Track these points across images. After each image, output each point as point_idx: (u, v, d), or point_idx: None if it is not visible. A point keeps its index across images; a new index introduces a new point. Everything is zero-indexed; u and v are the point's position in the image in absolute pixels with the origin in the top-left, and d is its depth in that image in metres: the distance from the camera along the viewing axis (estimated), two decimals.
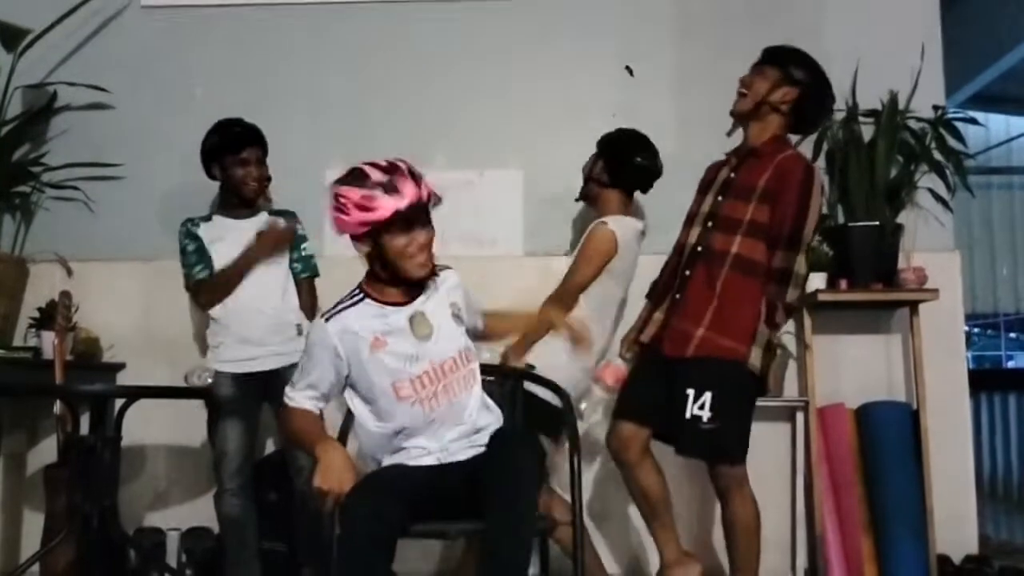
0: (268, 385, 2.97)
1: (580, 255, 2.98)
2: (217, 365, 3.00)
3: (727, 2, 3.75)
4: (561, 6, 3.78)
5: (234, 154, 3.02)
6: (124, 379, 3.57)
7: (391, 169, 2.02)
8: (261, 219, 3.11)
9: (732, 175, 2.72)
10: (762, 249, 2.60)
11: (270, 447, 3.54)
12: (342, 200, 2.03)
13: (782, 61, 2.69)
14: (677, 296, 2.70)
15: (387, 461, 2.16)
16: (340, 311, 2.12)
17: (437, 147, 3.70)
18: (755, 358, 2.58)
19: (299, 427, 2.13)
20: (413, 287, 2.13)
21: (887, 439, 3.32)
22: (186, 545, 3.39)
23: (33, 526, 3.44)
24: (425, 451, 2.14)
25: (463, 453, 2.15)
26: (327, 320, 2.12)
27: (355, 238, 2.06)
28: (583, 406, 2.86)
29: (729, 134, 2.81)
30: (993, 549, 3.69)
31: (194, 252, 3.07)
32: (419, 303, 2.14)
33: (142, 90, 3.82)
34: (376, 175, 2.01)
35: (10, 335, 3.60)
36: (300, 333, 3.00)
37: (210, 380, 2.98)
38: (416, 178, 2.02)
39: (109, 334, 3.60)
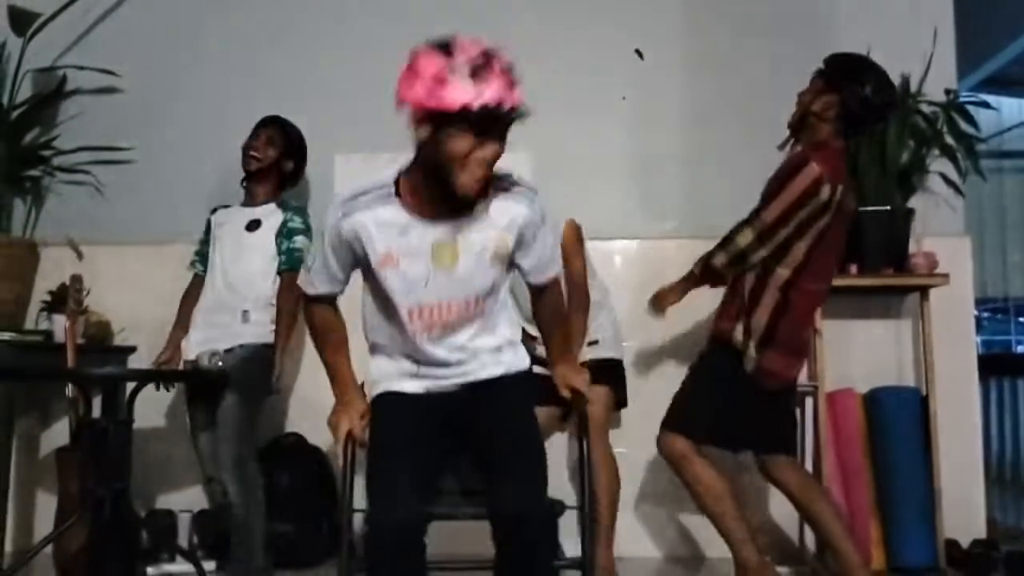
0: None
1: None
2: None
3: None
4: None
5: (252, 135, 3.19)
6: (135, 362, 3.59)
7: (486, 57, 1.69)
8: (266, 208, 3.17)
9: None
10: None
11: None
12: (418, 65, 1.72)
13: (826, 70, 2.72)
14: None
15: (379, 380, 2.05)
16: (361, 207, 1.84)
17: None
18: (738, 333, 2.66)
19: (324, 342, 2.06)
20: (455, 205, 1.80)
21: (896, 424, 3.32)
22: (197, 527, 3.42)
23: (46, 508, 3.47)
24: (414, 375, 2.00)
25: (452, 380, 1.99)
26: (344, 215, 1.86)
27: (416, 118, 1.75)
28: None
29: (781, 148, 2.82)
30: (1001, 533, 3.69)
31: (200, 243, 3.25)
32: (453, 227, 1.83)
33: (152, 74, 3.82)
34: (469, 53, 1.69)
35: (22, 319, 3.63)
36: (247, 321, 3.04)
37: (221, 363, 3.00)
38: (509, 80, 1.71)
39: (120, 317, 3.62)
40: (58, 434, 3.55)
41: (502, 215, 1.86)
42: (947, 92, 3.52)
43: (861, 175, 3.42)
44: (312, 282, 1.98)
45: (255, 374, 2.97)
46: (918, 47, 3.52)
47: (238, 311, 3.05)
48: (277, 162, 3.20)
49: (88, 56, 3.77)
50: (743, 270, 2.67)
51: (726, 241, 2.67)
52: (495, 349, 2.00)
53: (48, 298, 3.44)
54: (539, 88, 3.59)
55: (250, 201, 3.20)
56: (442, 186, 1.76)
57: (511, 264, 1.94)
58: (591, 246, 3.23)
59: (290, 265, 3.07)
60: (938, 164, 3.52)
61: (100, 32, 3.85)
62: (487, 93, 1.67)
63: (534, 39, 3.72)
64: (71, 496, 3.12)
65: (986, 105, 3.85)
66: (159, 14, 3.86)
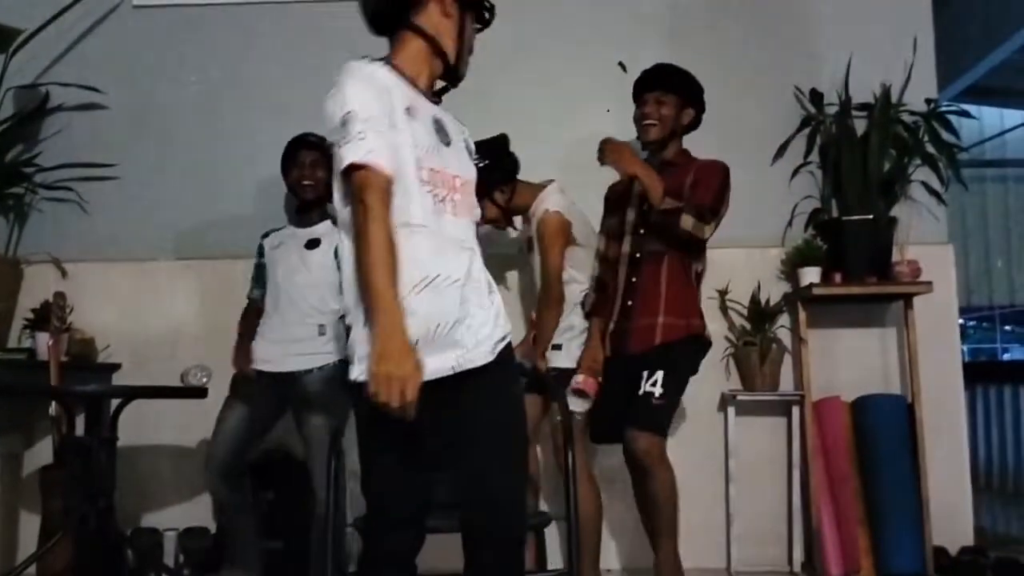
0: (291, 388, 3.02)
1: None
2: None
3: None
4: (556, 4, 3.78)
5: (291, 159, 3.16)
6: (120, 380, 3.56)
7: None
8: (322, 226, 3.17)
9: None
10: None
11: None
12: None
13: (676, 86, 2.91)
14: (629, 303, 2.88)
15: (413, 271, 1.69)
16: (373, 61, 1.84)
17: None
18: (704, 326, 2.88)
19: (389, 266, 1.61)
20: (444, 90, 1.91)
21: (883, 432, 3.33)
22: (183, 545, 3.40)
23: (30, 527, 3.43)
24: (456, 312, 1.73)
25: (481, 348, 1.75)
26: (369, 61, 1.83)
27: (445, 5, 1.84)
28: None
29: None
30: (989, 540, 3.71)
31: (255, 267, 3.23)
32: (439, 110, 1.88)
33: (135, 90, 3.81)
34: None
35: (5, 337, 3.60)
36: (322, 334, 3.04)
37: (206, 380, 3.00)
38: None
39: (104, 335, 3.59)
40: (42, 453, 3.52)
41: (463, 131, 1.97)
42: (928, 102, 3.56)
43: (844, 184, 3.45)
44: (373, 149, 1.68)
45: (338, 392, 2.95)
46: (899, 57, 3.55)
47: (313, 326, 3.04)
48: (327, 182, 3.19)
49: (71, 73, 3.76)
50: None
51: (671, 214, 2.77)
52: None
53: (31, 316, 3.41)
54: (525, 101, 3.68)
55: (305, 222, 3.20)
56: (444, 67, 1.89)
57: None
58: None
59: None
60: (920, 173, 3.55)
61: (83, 48, 3.84)
62: None
63: (518, 52, 3.75)
64: (55, 515, 3.10)
65: (966, 114, 3.88)
66: (142, 31, 3.85)
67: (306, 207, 3.19)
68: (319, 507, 2.92)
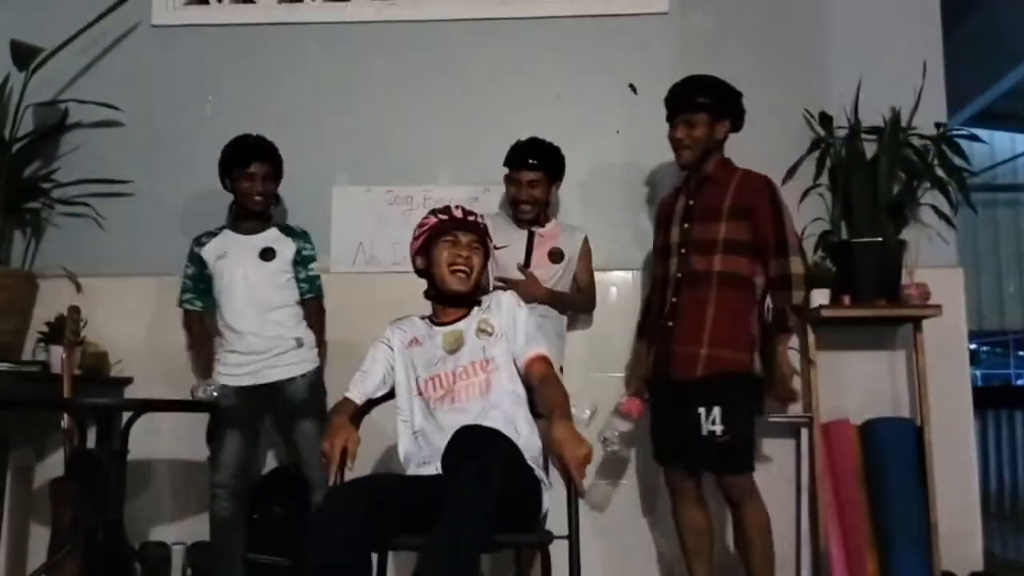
0: (272, 398, 3.05)
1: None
2: (220, 377, 3.10)
3: (729, 21, 3.78)
4: (566, 27, 3.82)
5: (242, 167, 3.14)
6: (131, 393, 3.60)
7: (449, 208, 2.40)
8: (270, 234, 3.18)
9: (691, 202, 2.89)
10: (744, 263, 2.79)
11: (270, 461, 3.57)
12: (416, 229, 2.42)
13: (704, 105, 2.85)
14: (670, 324, 2.83)
15: (405, 466, 2.32)
16: (404, 318, 2.49)
17: (442, 164, 3.74)
18: (757, 365, 2.78)
19: (332, 409, 2.38)
20: (462, 305, 2.42)
21: (891, 455, 3.32)
22: (191, 559, 3.41)
23: (40, 539, 3.46)
24: (430, 457, 2.22)
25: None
26: (392, 322, 2.48)
27: (414, 256, 2.42)
28: (607, 436, 2.99)
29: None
30: (999, 566, 3.67)
31: (190, 277, 3.26)
32: (462, 323, 2.41)
33: (152, 108, 3.87)
34: (437, 209, 2.41)
35: (19, 349, 3.63)
36: (300, 345, 3.12)
37: (216, 394, 3.03)
38: (467, 211, 2.40)
39: (117, 349, 3.62)
40: (53, 466, 3.54)
41: (491, 304, 2.44)
42: (937, 126, 3.56)
43: (853, 207, 3.45)
44: (349, 388, 2.43)
45: (323, 399, 3.09)
46: (908, 81, 3.56)
47: (288, 339, 3.10)
48: (275, 193, 3.29)
49: (89, 90, 3.82)
50: None
51: (786, 281, 2.77)
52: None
53: (46, 329, 3.45)
54: (535, 123, 3.70)
55: (249, 229, 3.21)
56: (444, 294, 2.41)
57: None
58: None
59: (314, 293, 3.23)
60: (930, 196, 3.55)
61: (101, 67, 3.90)
62: (450, 214, 2.38)
63: (531, 76, 3.79)
64: (64, 527, 3.12)
65: (976, 138, 3.88)
66: (159, 50, 3.91)
67: (249, 214, 3.20)
68: (221, 512, 3.04)
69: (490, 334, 2.37)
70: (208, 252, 3.19)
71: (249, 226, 3.21)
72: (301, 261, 3.21)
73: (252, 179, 3.14)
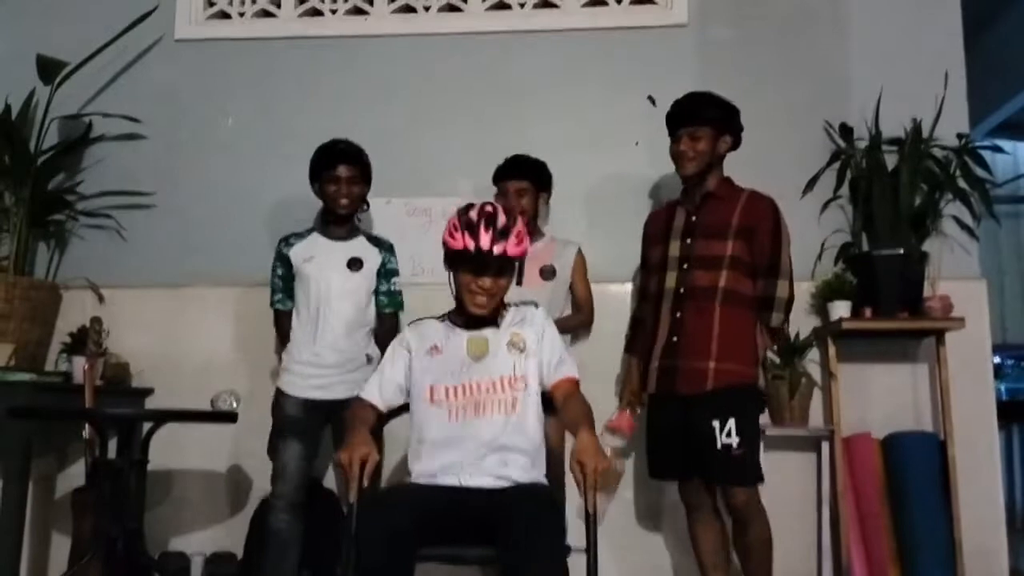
0: (332, 413, 3.01)
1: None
2: (284, 386, 3.05)
3: (749, 31, 3.77)
4: (586, 39, 3.83)
5: (329, 170, 3.09)
6: (152, 404, 3.62)
7: (483, 216, 2.26)
8: (358, 243, 3.16)
9: (693, 218, 2.89)
10: (747, 281, 2.80)
11: (330, 476, 3.56)
12: (450, 221, 2.31)
13: (709, 118, 2.87)
14: (675, 339, 2.82)
15: (418, 479, 2.26)
16: (422, 320, 2.48)
17: (463, 174, 3.73)
18: (761, 379, 2.84)
19: (351, 414, 2.36)
20: (485, 318, 2.36)
21: (914, 469, 3.28)
22: (210, 570, 3.42)
23: (61, 548, 3.48)
24: (448, 468, 2.22)
25: (484, 478, 2.20)
26: (410, 323, 2.49)
27: (444, 260, 2.35)
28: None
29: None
30: None
31: (280, 278, 3.16)
32: (487, 330, 2.37)
33: (174, 121, 3.91)
34: (472, 215, 2.27)
35: (42, 360, 3.67)
36: (369, 362, 3.03)
37: (236, 404, 3.03)
38: (498, 233, 2.24)
39: (138, 359, 3.65)
40: (74, 475, 3.57)
41: (522, 318, 2.42)
42: (959, 137, 3.53)
43: (874, 218, 3.43)
44: (365, 389, 2.47)
45: None
46: (930, 92, 3.54)
47: (361, 354, 3.06)
48: (362, 196, 3.18)
49: (113, 104, 3.87)
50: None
51: (767, 303, 2.79)
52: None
53: (68, 339, 3.48)
54: (555, 134, 3.72)
55: (338, 235, 3.14)
56: (462, 307, 2.35)
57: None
58: (603, 288, 3.38)
59: (394, 308, 3.17)
60: (952, 208, 3.52)
61: (125, 81, 3.96)
62: (476, 241, 2.24)
63: (551, 88, 3.79)
64: (85, 537, 3.14)
65: (999, 149, 3.85)
66: (182, 64, 3.96)
67: (337, 219, 3.14)
68: (279, 524, 2.98)
69: (522, 350, 2.35)
70: (296, 254, 3.11)
71: (337, 232, 3.14)
72: (384, 274, 3.15)
73: (338, 182, 3.07)
